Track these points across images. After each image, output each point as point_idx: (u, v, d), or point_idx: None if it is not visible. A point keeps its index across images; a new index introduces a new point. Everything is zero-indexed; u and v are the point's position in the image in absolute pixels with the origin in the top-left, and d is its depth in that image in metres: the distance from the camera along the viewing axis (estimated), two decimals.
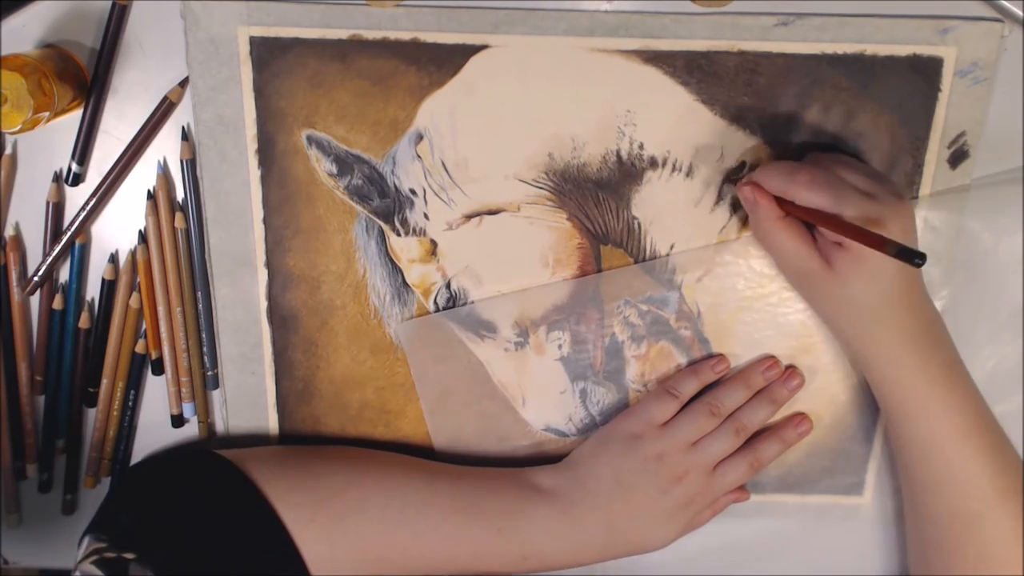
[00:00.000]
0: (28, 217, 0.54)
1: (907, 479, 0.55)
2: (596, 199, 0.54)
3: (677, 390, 0.56)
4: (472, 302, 0.56)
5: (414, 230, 0.55)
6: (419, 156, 0.53)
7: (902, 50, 0.52)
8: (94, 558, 0.47)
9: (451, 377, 0.57)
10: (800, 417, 0.58)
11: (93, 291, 0.56)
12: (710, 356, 0.58)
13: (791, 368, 0.58)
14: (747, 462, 0.56)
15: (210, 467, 0.53)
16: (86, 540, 0.49)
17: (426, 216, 0.54)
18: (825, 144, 0.53)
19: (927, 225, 0.55)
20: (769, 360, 0.57)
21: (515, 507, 0.55)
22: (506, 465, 0.59)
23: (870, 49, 0.52)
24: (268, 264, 0.55)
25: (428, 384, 0.58)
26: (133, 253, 0.55)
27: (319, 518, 0.52)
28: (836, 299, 0.50)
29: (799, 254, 0.50)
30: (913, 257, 0.42)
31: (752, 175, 0.51)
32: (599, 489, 0.55)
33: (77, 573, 0.47)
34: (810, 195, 0.47)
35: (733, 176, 0.54)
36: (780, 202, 0.49)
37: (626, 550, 0.56)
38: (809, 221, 0.49)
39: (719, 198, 0.55)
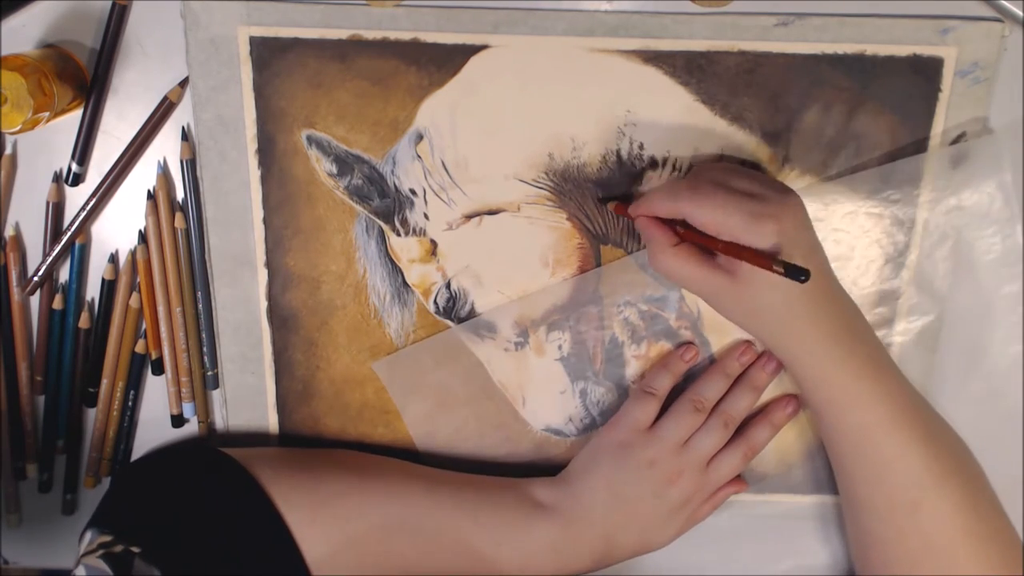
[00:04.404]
0: (28, 217, 0.54)
1: (841, 475, 0.54)
2: (596, 199, 0.54)
3: (653, 387, 0.56)
4: (472, 304, 0.56)
5: (414, 230, 0.55)
6: (419, 156, 0.53)
7: (902, 50, 0.52)
8: (100, 552, 0.47)
9: (451, 378, 0.57)
10: (787, 399, 0.58)
11: (93, 291, 0.56)
12: (678, 346, 0.57)
13: (767, 353, 0.57)
14: (740, 452, 0.56)
15: (215, 465, 0.53)
16: (89, 534, 0.49)
17: (426, 216, 0.54)
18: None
19: (926, 229, 0.55)
20: (743, 345, 0.57)
21: (514, 521, 0.55)
22: (507, 466, 0.59)
23: (870, 49, 0.52)
24: (268, 264, 0.55)
25: (413, 414, 0.58)
26: (133, 253, 0.55)
27: (321, 520, 0.52)
28: (748, 308, 0.50)
29: (699, 277, 0.50)
30: (798, 275, 0.44)
31: (638, 203, 0.51)
32: (595, 503, 0.55)
33: (81, 567, 0.47)
34: (695, 208, 0.48)
35: (608, 198, 0.54)
36: (674, 227, 0.50)
37: (628, 556, 0.56)
38: (703, 244, 0.49)
39: None
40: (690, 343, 0.57)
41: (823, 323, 0.50)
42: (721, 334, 0.57)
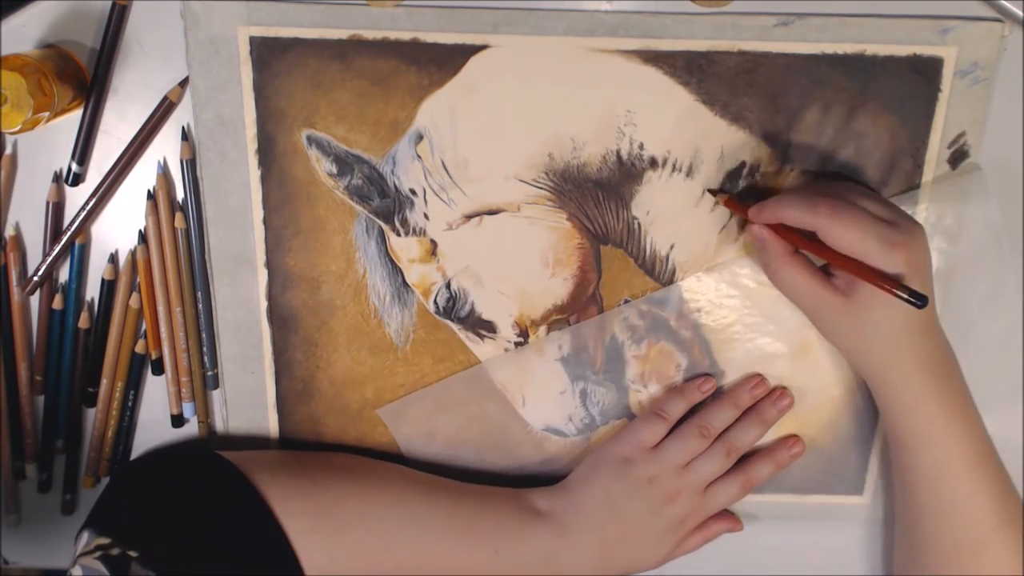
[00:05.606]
0: (28, 217, 0.54)
1: (911, 511, 0.54)
2: (596, 199, 0.54)
3: (665, 412, 0.57)
4: (472, 304, 0.56)
5: (414, 230, 0.55)
6: (419, 156, 0.53)
7: (902, 50, 0.52)
8: (98, 554, 0.47)
9: (451, 379, 0.57)
10: (794, 439, 0.59)
11: (93, 291, 0.56)
12: (696, 376, 0.58)
13: (781, 389, 0.58)
14: (739, 483, 0.57)
15: (213, 469, 0.53)
16: (86, 534, 0.49)
17: (426, 216, 0.54)
18: (830, 171, 0.54)
19: (927, 223, 0.55)
20: (756, 378, 0.57)
21: (512, 529, 0.55)
22: (507, 467, 0.59)
23: (870, 49, 0.52)
24: (268, 264, 0.55)
25: (416, 454, 0.59)
26: (133, 253, 0.55)
27: (319, 527, 0.52)
28: (856, 329, 0.51)
29: (814, 291, 0.50)
30: (919, 300, 0.46)
31: (766, 206, 0.51)
32: (593, 512, 0.55)
33: (78, 567, 0.47)
34: (833, 224, 0.48)
35: (731, 188, 0.54)
36: (789, 235, 0.50)
37: (620, 570, 0.56)
38: (824, 259, 0.49)
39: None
40: (708, 375, 0.58)
41: (924, 354, 0.50)
42: (721, 336, 0.57)
